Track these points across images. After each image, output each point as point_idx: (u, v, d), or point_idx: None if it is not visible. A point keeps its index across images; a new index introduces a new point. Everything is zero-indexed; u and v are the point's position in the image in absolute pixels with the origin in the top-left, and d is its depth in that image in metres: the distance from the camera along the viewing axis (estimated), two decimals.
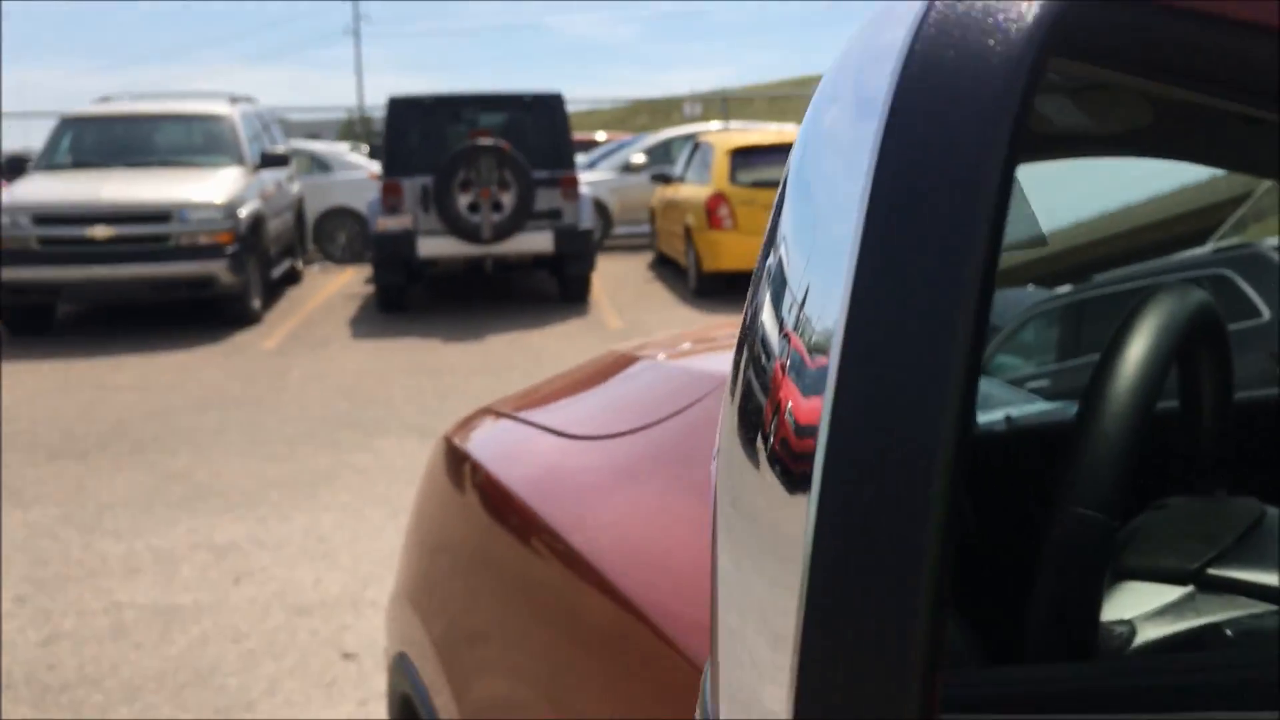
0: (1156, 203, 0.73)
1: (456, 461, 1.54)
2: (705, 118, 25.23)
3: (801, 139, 0.41)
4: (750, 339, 0.39)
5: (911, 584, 0.33)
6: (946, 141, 0.33)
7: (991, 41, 0.34)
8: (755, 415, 0.38)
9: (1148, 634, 0.75)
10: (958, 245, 0.32)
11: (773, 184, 10.83)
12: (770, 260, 0.39)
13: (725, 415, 0.41)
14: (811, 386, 0.36)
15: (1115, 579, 0.78)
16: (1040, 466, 0.97)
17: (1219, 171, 0.73)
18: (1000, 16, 0.34)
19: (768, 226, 0.41)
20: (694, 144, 12.72)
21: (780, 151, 11.26)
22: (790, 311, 0.37)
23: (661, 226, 12.86)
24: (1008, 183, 0.32)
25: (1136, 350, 0.75)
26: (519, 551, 1.27)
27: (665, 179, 12.95)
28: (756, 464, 0.38)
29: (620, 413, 1.31)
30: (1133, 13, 0.43)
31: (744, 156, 11.13)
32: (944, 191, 0.32)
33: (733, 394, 0.40)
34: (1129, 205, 0.79)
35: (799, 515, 0.35)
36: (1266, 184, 0.64)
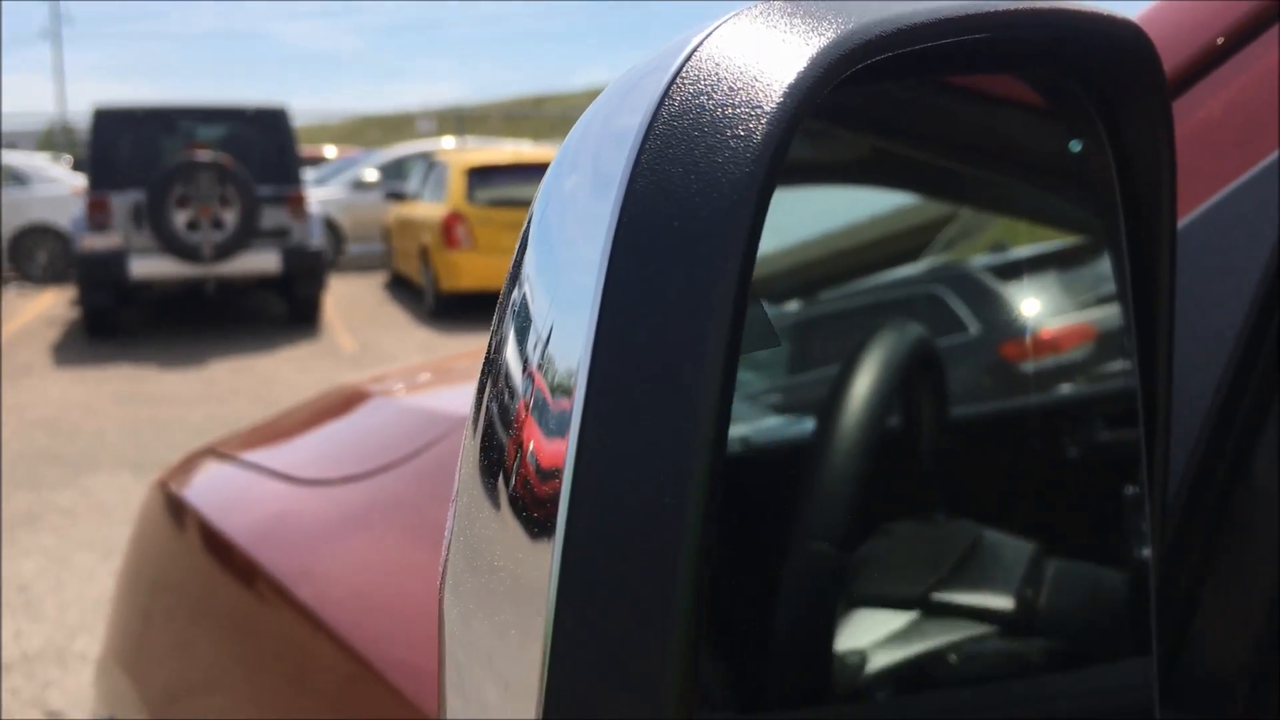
0: (874, 224, 0.77)
1: (172, 510, 1.43)
2: (440, 133, 25.03)
3: (544, 193, 0.40)
4: (494, 373, 0.38)
5: (662, 642, 0.32)
6: (680, 259, 0.33)
7: (720, 159, 0.34)
8: (498, 455, 0.37)
9: (877, 662, 0.78)
10: (695, 320, 0.32)
11: (510, 203, 10.84)
12: (515, 295, 0.38)
13: (465, 454, 0.39)
14: (555, 429, 0.35)
15: (845, 608, 0.80)
16: (774, 491, 0.99)
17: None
18: (729, 133, 0.34)
19: (512, 260, 0.40)
20: (430, 161, 12.56)
21: (517, 171, 11.28)
22: (535, 349, 0.36)
23: (397, 245, 12.61)
24: (745, 284, 0.32)
25: (860, 389, 0.77)
26: (243, 606, 1.19)
27: (400, 197, 12.72)
28: (498, 507, 0.37)
29: (352, 455, 1.25)
30: (887, 87, 0.45)
31: (481, 175, 11.09)
32: (677, 297, 0.32)
33: (474, 431, 0.39)
34: (850, 226, 0.82)
35: (542, 564, 0.34)
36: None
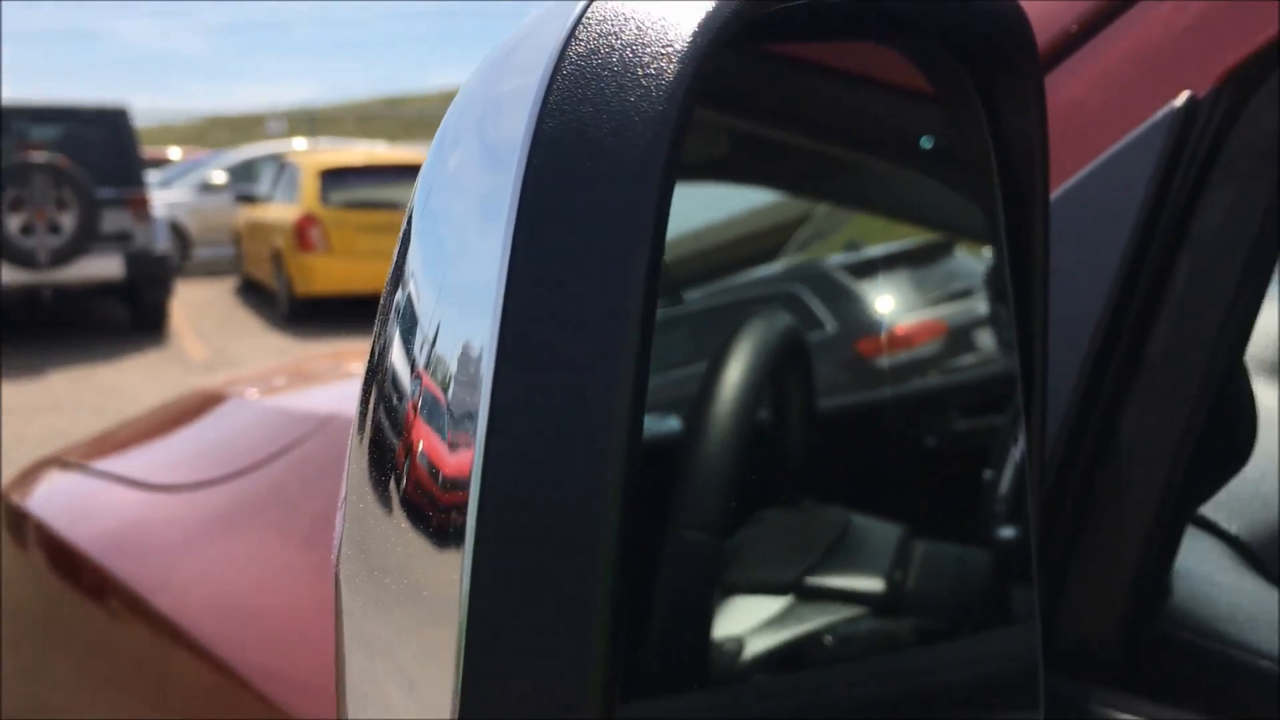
0: (730, 224, 0.78)
1: (16, 522, 1.35)
2: (290, 134, 24.45)
3: (425, 179, 0.39)
4: (380, 378, 0.37)
5: (583, 638, 0.31)
6: (594, 199, 0.32)
7: (633, 97, 0.33)
8: (389, 461, 0.36)
9: (754, 648, 0.78)
10: (612, 300, 0.31)
11: (366, 205, 10.63)
12: (398, 296, 0.37)
13: (353, 461, 0.38)
14: (453, 430, 0.34)
15: (723, 595, 0.81)
16: (649, 480, 1.00)
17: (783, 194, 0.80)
18: (640, 71, 0.33)
19: (393, 261, 0.38)
20: (281, 163, 12.25)
21: (373, 173, 11.08)
22: (422, 350, 0.35)
23: (248, 249, 12.23)
24: (662, 228, 0.32)
25: (733, 375, 0.78)
26: (96, 619, 1.13)
27: (250, 199, 12.35)
28: (390, 513, 0.35)
29: (211, 458, 1.21)
30: (762, 65, 0.45)
31: (335, 177, 10.85)
32: (595, 240, 0.31)
33: (361, 436, 0.38)
34: (707, 226, 0.83)
35: (449, 571, 0.33)
36: (823, 206, 0.69)
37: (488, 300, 0.33)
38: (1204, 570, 0.63)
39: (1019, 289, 0.53)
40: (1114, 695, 0.55)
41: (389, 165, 11.41)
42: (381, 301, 0.39)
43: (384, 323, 0.37)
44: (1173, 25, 0.60)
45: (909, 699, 0.60)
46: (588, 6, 0.35)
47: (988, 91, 0.51)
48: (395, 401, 0.36)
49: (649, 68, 0.33)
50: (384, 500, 0.36)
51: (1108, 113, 0.60)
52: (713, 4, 0.35)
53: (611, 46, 0.34)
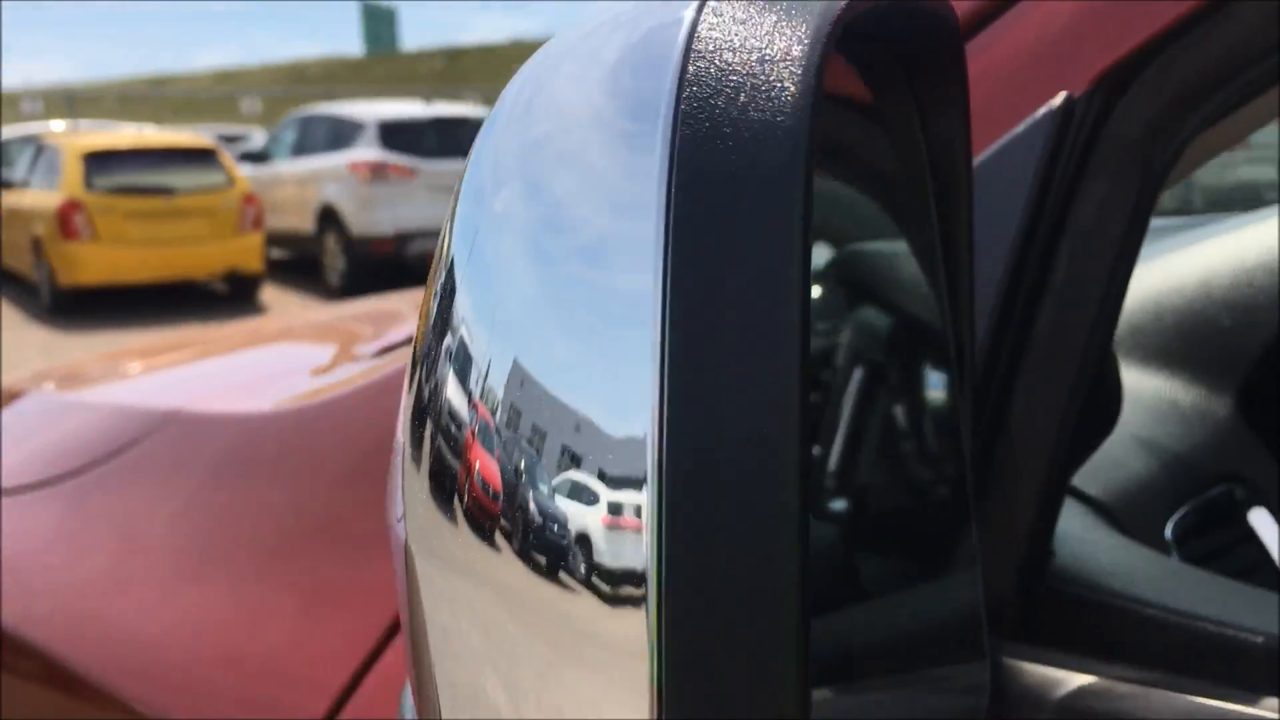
0: None
1: None
2: (47, 115, 22.84)
3: (466, 224, 0.39)
4: (435, 415, 0.37)
5: (778, 669, 0.32)
6: (748, 216, 0.32)
7: (767, 112, 0.33)
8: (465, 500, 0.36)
9: None
10: (785, 319, 0.32)
11: (136, 190, 10.03)
12: (448, 342, 0.37)
13: (417, 501, 0.38)
14: (617, 459, 0.33)
15: None
16: None
17: None
18: (766, 85, 0.34)
19: (431, 309, 0.38)
20: (38, 145, 11.42)
21: (142, 156, 10.47)
22: (475, 384, 0.36)
23: (3, 237, 11.35)
24: (810, 241, 0.33)
25: None
26: None
27: (3, 184, 11.46)
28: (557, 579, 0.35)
29: (32, 458, 1.12)
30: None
31: (100, 160, 10.21)
32: (761, 259, 0.32)
33: (424, 474, 0.38)
34: None
35: (626, 617, 0.33)
36: None
37: (642, 343, 0.32)
38: (1074, 531, 0.68)
39: (951, 278, 0.57)
40: (1018, 646, 0.60)
41: (160, 148, 10.82)
42: (420, 349, 0.38)
43: (431, 367, 0.37)
44: (1047, 30, 0.64)
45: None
46: (697, 20, 0.35)
47: (921, 89, 0.53)
48: (456, 431, 0.36)
49: (774, 79, 0.34)
50: (495, 544, 0.35)
51: (990, 110, 0.64)
52: (819, 11, 0.35)
53: (729, 62, 0.34)
